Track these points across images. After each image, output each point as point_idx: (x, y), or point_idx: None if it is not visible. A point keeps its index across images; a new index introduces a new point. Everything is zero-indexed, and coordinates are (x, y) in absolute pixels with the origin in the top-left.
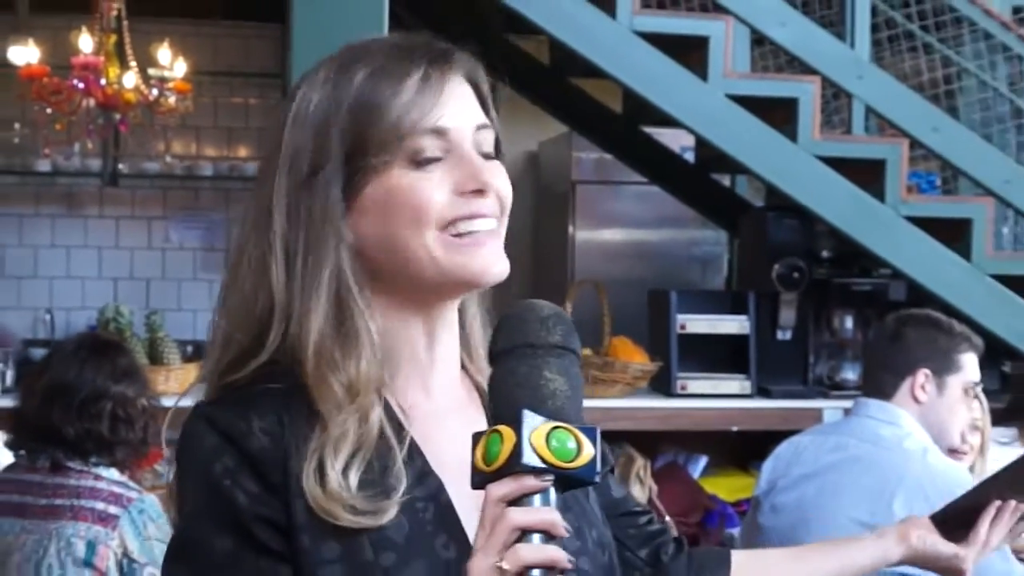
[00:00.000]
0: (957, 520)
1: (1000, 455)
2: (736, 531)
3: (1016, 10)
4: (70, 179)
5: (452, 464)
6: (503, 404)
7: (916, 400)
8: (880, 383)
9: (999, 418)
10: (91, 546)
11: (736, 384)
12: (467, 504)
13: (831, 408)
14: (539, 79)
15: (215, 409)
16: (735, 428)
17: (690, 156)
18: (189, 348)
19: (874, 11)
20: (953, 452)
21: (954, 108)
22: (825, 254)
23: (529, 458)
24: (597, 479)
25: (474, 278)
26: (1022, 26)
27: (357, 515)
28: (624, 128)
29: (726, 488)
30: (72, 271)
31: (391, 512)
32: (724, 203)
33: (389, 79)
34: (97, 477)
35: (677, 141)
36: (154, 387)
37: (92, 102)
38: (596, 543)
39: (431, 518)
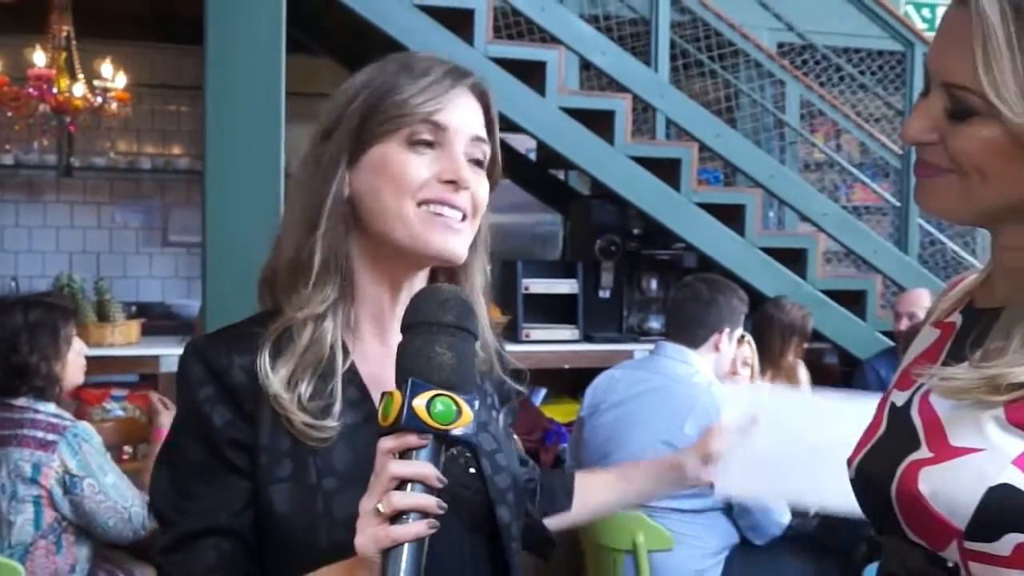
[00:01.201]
0: None
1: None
2: (566, 445)
3: (780, 45)
4: (30, 171)
5: None
6: (400, 371)
7: (717, 349)
8: (693, 335)
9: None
10: (36, 468)
11: (568, 332)
12: None
13: (640, 350)
14: None
15: (205, 345)
16: (567, 366)
17: (533, 156)
18: (133, 308)
19: (673, 44)
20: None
21: (733, 120)
22: (636, 231)
23: (410, 420)
24: (474, 440)
25: (433, 251)
26: (784, 58)
27: (305, 414)
28: None
29: (560, 413)
30: (33, 247)
31: (333, 426)
32: (559, 192)
33: (412, 72)
34: (36, 411)
35: (523, 144)
36: (101, 339)
37: (47, 107)
38: (516, 478)
39: (373, 453)
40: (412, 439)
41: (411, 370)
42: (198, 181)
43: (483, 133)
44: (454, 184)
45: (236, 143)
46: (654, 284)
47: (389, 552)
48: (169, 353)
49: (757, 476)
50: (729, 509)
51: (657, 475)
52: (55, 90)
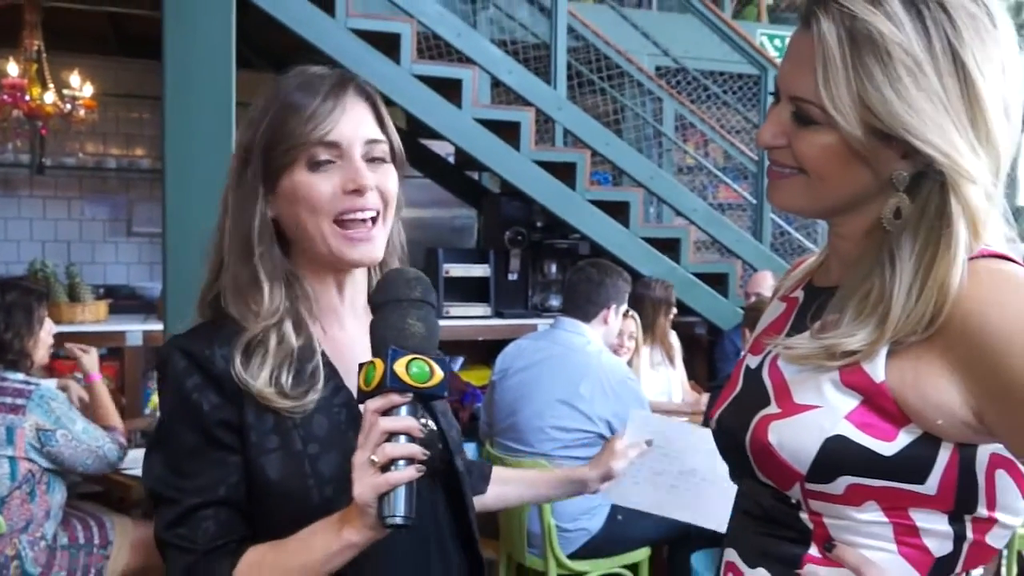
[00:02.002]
0: None
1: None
2: (481, 404)
3: (658, 68)
4: (5, 169)
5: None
6: (378, 342)
7: (606, 323)
8: (585, 311)
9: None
10: (10, 430)
11: (481, 309)
12: None
13: (542, 323)
14: None
15: (185, 340)
16: (481, 338)
17: (451, 159)
18: (101, 290)
19: (569, 66)
20: (615, 350)
21: (619, 131)
22: (539, 224)
23: (393, 381)
24: (446, 395)
25: (352, 263)
26: (662, 79)
27: (287, 400)
28: (407, 139)
29: (476, 377)
30: (9, 236)
31: (312, 399)
32: (473, 190)
33: (299, 101)
34: (3, 379)
35: (443, 149)
36: (72, 317)
37: (20, 113)
38: (459, 435)
39: (344, 419)
40: (396, 397)
41: (389, 340)
42: (159, 179)
43: (377, 133)
44: (358, 192)
45: (192, 146)
46: (554, 268)
47: (384, 497)
48: (133, 329)
49: (643, 491)
50: None
51: (563, 484)
52: (27, 98)
